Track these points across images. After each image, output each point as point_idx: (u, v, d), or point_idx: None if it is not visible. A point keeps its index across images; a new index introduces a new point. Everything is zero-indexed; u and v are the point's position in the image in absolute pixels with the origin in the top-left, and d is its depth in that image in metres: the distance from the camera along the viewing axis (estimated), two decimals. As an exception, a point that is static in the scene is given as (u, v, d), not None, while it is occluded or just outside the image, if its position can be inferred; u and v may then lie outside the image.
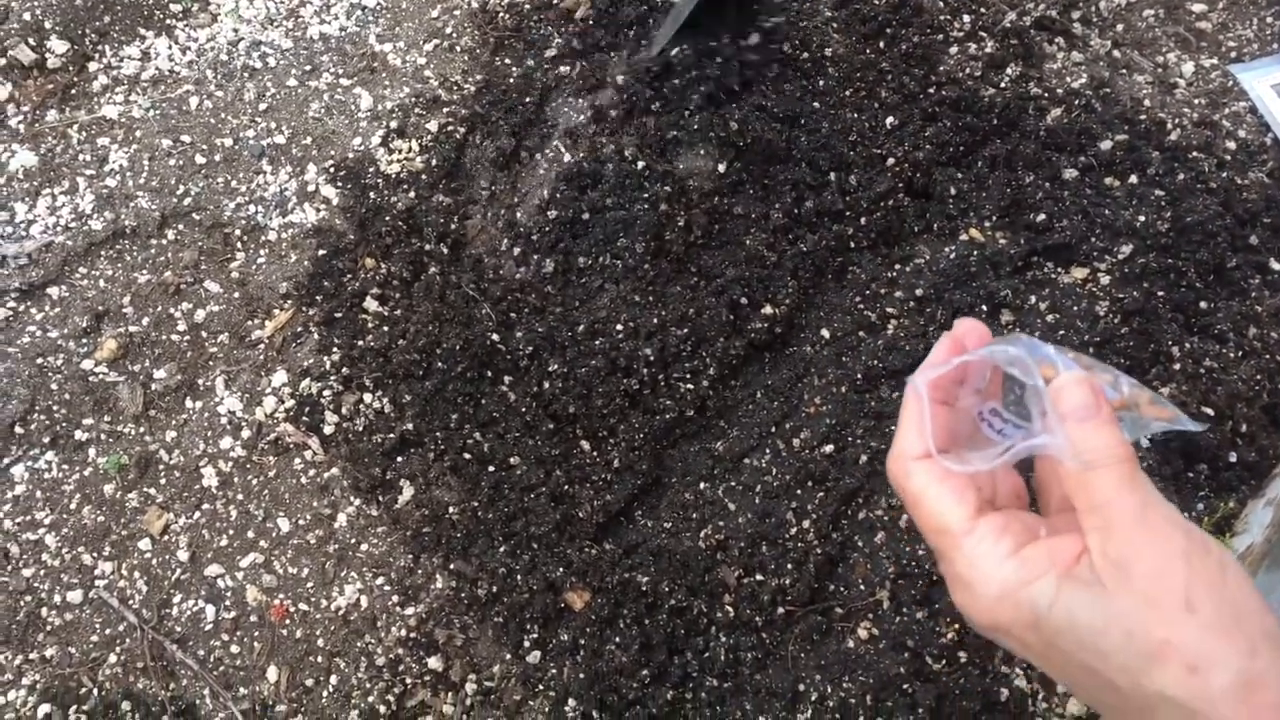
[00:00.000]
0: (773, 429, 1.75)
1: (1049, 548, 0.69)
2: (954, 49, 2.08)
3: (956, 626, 1.54)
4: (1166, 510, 0.67)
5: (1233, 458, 1.66)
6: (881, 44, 2.05)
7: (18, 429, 1.73)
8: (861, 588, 1.61)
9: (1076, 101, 1.98)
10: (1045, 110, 1.97)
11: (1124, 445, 0.69)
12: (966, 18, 2.13)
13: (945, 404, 0.79)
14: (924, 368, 0.79)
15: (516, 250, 1.86)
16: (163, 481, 1.71)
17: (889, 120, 1.96)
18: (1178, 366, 1.70)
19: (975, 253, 1.81)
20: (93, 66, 2.07)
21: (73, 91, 2.04)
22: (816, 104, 1.99)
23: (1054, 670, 0.70)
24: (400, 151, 1.96)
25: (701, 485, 1.72)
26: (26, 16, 2.04)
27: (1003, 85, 2.02)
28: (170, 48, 2.10)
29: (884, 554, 1.62)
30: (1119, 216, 1.83)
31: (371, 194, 1.91)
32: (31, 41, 2.03)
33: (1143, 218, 1.82)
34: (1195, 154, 1.93)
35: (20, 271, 1.84)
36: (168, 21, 2.14)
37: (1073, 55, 2.08)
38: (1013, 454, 0.73)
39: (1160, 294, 1.75)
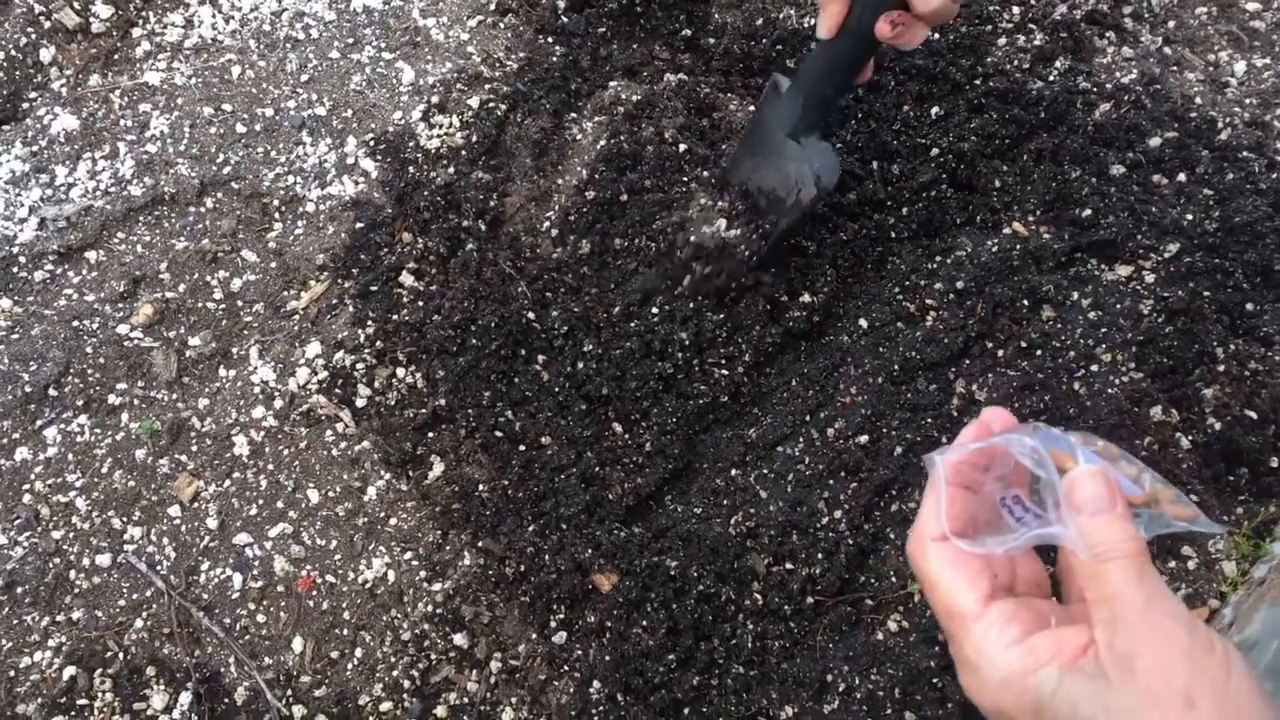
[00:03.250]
0: (807, 418, 1.73)
1: (1056, 637, 0.72)
2: (1002, 40, 2.05)
3: (988, 623, 1.52)
4: (1173, 606, 0.69)
5: (1274, 462, 1.64)
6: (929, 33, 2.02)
7: (52, 391, 1.73)
8: (893, 580, 1.59)
9: (1126, 97, 1.95)
10: (1094, 105, 1.94)
11: (1135, 540, 0.70)
12: (1016, 9, 2.10)
13: (969, 489, 0.81)
14: (946, 448, 0.81)
15: (554, 230, 1.85)
16: (194, 449, 1.71)
17: (934, 110, 1.94)
18: (1222, 368, 1.67)
19: (1018, 246, 1.78)
20: (136, 32, 2.07)
21: (116, 57, 2.04)
22: (861, 91, 1.97)
23: None
24: (441, 127, 1.95)
25: (733, 472, 1.71)
26: (72, -20, 2.05)
27: (1051, 79, 1.99)
28: (214, 16, 2.10)
29: (916, 547, 1.59)
30: (1166, 214, 1.80)
31: (410, 168, 1.90)
32: (76, 5, 2.03)
33: (1190, 216, 1.79)
34: (1246, 154, 1.90)
35: (59, 234, 1.84)
36: (212, -10, 2.14)
37: (1123, 50, 2.05)
38: (1024, 541, 0.75)
39: (1206, 294, 1.72)
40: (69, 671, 1.56)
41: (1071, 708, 0.68)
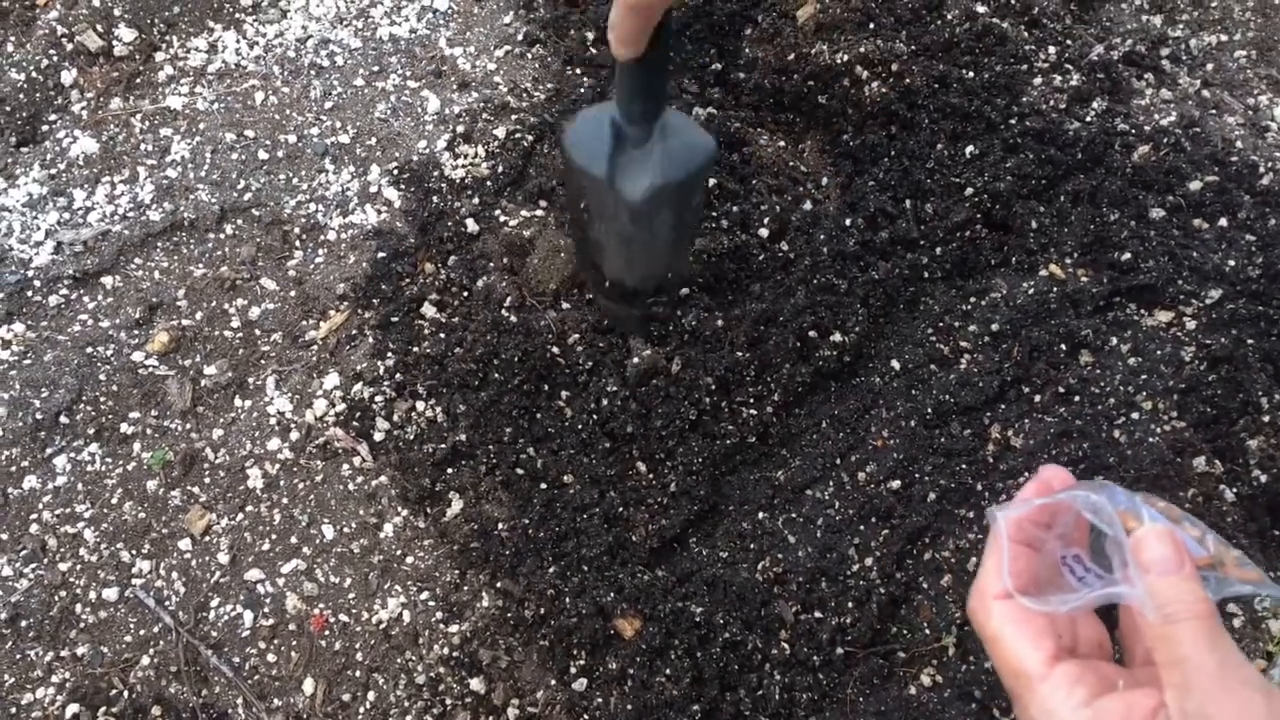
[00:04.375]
0: (837, 461, 1.68)
1: (1125, 700, 0.69)
2: (1038, 80, 2.02)
3: (1026, 679, 1.46)
4: (1247, 671, 0.67)
5: (1322, 517, 1.59)
6: (963, 71, 1.99)
7: (63, 419, 1.69)
8: (926, 632, 1.53)
9: (1165, 140, 1.91)
10: (1132, 147, 1.91)
11: (1205, 601, 0.69)
12: (1052, 49, 2.07)
13: (1030, 547, 0.80)
14: (1008, 504, 0.80)
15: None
16: (207, 480, 1.66)
17: (968, 149, 1.90)
18: (1267, 419, 1.62)
19: (1055, 289, 1.74)
20: (159, 56, 2.05)
21: (138, 80, 2.02)
22: (894, 129, 1.94)
23: None
24: (466, 157, 1.91)
25: (760, 515, 1.66)
26: (96, 3, 2.02)
27: (1088, 119, 1.95)
28: (238, 42, 2.07)
29: (950, 598, 1.54)
30: (1207, 260, 1.76)
31: (434, 198, 1.87)
32: (99, 28, 2.01)
33: (1232, 262, 1.75)
34: (1288, 199, 1.86)
35: (75, 259, 1.80)
36: (237, 15, 2.12)
37: (1161, 92, 2.02)
38: (1091, 600, 0.74)
39: (1250, 342, 1.67)
40: (72, 709, 1.50)
41: None
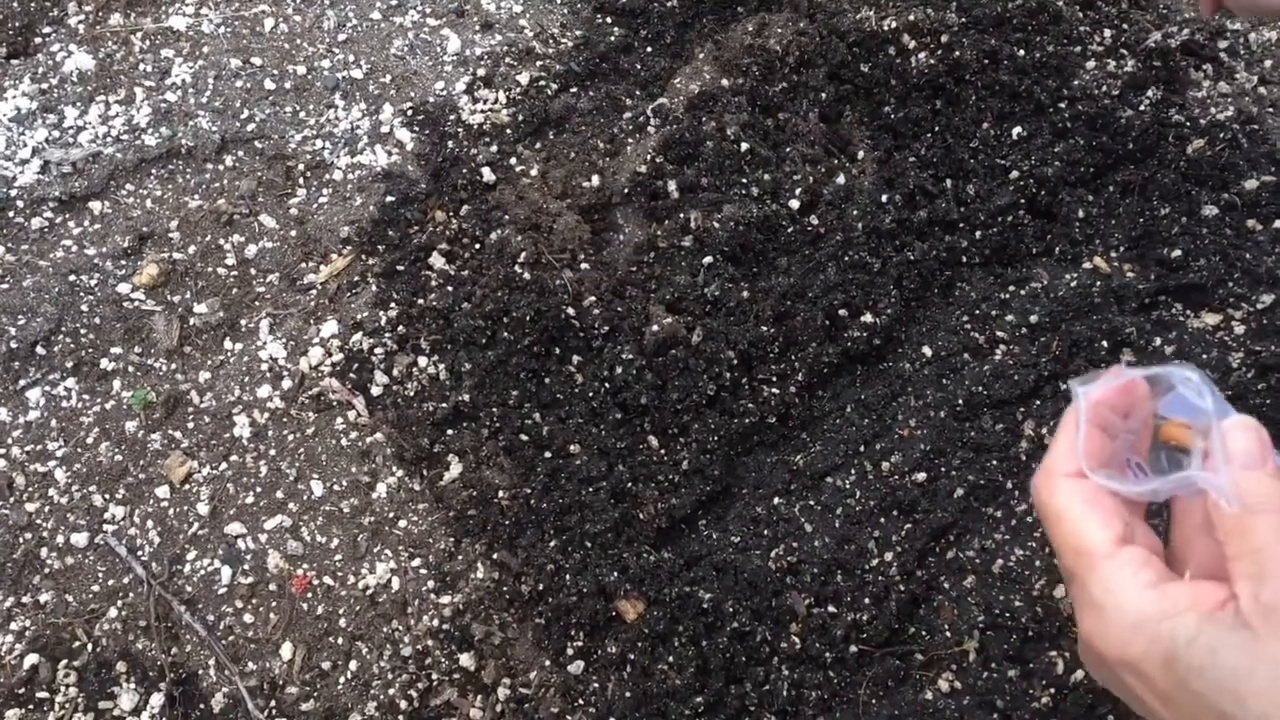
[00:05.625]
0: (860, 448, 1.59)
1: (1193, 588, 0.67)
2: (1091, 63, 1.92)
3: (1052, 691, 1.38)
4: None
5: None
6: (1014, 49, 1.89)
7: (39, 349, 1.58)
8: (947, 634, 1.44)
9: (1221, 135, 1.82)
10: (1186, 140, 1.81)
11: None
12: (1108, 32, 1.97)
13: (1105, 432, 0.76)
14: (1090, 377, 0.76)
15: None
16: (190, 425, 1.56)
17: (1016, 130, 1.80)
18: (1316, 433, 1.54)
19: (1099, 283, 1.65)
20: (165, -26, 1.93)
21: (141, -3, 1.90)
22: (939, 103, 1.84)
23: (1178, 715, 0.67)
24: (485, 101, 1.81)
25: (776, 500, 1.57)
26: (101, -88, 1.91)
27: (1142, 108, 1.85)
28: (250, -36, 1.96)
29: (973, 600, 1.45)
30: (1260, 262, 1.68)
31: (450, 143, 1.76)
32: (103, -61, 1.89)
33: (1287, 267, 1.67)
34: (1346, 206, 1.77)
35: (62, 179, 1.69)
36: (249, -63, 2.00)
37: (1219, 85, 1.92)
38: (1168, 485, 0.72)
39: (1302, 352, 1.59)
40: (31, 660, 1.41)
41: (1211, 655, 0.63)
